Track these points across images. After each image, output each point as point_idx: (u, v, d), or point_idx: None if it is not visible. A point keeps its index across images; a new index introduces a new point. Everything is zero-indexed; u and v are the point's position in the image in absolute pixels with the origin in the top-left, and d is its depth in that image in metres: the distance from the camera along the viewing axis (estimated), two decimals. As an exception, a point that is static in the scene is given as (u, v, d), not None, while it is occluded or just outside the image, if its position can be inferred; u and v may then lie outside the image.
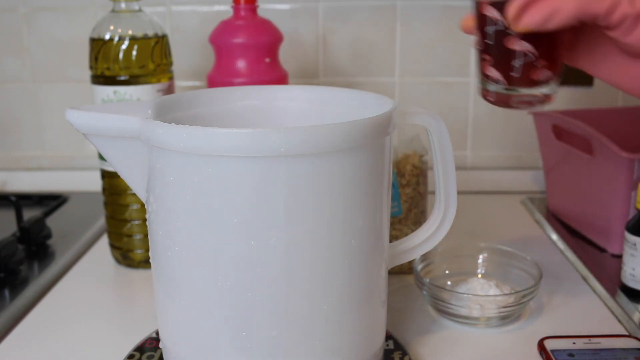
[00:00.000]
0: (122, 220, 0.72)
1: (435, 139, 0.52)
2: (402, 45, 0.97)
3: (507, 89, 0.47)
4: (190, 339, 0.46)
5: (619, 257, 0.72)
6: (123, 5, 0.69)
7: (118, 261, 0.74)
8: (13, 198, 0.80)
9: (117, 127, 0.45)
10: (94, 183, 0.91)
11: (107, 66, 0.68)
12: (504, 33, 0.46)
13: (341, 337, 0.47)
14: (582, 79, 0.97)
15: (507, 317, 0.60)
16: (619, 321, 0.61)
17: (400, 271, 0.70)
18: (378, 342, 0.51)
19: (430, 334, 0.59)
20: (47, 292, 0.68)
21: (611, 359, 0.53)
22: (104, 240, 0.80)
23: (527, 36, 0.45)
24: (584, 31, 0.48)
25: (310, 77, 0.98)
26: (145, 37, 0.68)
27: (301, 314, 0.44)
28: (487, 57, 0.48)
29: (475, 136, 1.01)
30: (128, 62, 0.67)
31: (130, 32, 0.68)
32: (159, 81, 0.69)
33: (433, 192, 0.59)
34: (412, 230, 0.68)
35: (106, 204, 0.73)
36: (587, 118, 0.78)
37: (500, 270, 0.66)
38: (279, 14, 0.95)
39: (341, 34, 0.97)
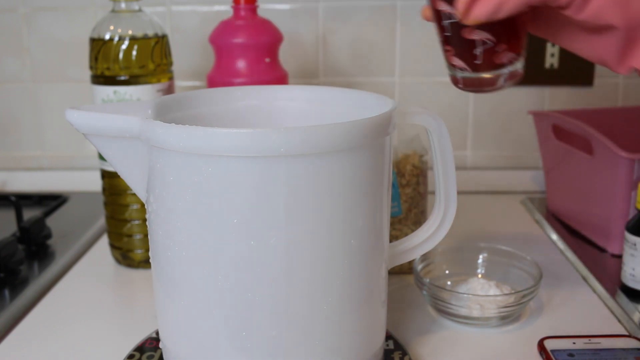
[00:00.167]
0: (122, 220, 0.72)
1: (435, 139, 0.52)
2: (402, 45, 0.97)
3: (473, 75, 0.48)
4: (190, 339, 0.46)
5: (619, 257, 0.72)
6: (123, 5, 0.69)
7: (118, 261, 0.74)
8: (13, 198, 0.80)
9: (117, 127, 0.45)
10: (94, 183, 0.91)
11: (107, 66, 0.68)
12: (459, 25, 0.46)
13: (341, 337, 0.47)
14: (582, 79, 0.97)
15: (507, 317, 0.60)
16: (619, 321, 0.61)
17: (400, 271, 0.70)
18: (378, 342, 0.51)
19: (430, 334, 0.59)
20: (47, 292, 0.68)
21: (611, 359, 0.53)
22: (104, 240, 0.80)
23: (483, 25, 0.45)
24: (541, 7, 0.47)
25: (310, 77, 0.98)
26: (145, 37, 0.68)
27: (301, 314, 0.44)
28: (449, 48, 0.48)
29: (475, 136, 1.01)
30: (128, 62, 0.67)
31: (130, 32, 0.68)
32: (159, 81, 0.69)
33: (433, 192, 0.59)
34: (412, 230, 0.68)
35: (106, 204, 0.73)
36: (587, 118, 0.78)
37: (500, 270, 0.66)
38: (279, 14, 0.95)
39: (341, 34, 0.97)
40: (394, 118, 0.46)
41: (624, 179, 0.71)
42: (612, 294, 0.65)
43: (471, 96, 0.99)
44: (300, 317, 0.44)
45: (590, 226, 0.78)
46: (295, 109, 0.57)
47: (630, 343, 0.55)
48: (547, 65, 0.96)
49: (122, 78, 0.68)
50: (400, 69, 0.98)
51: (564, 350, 0.54)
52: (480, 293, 0.61)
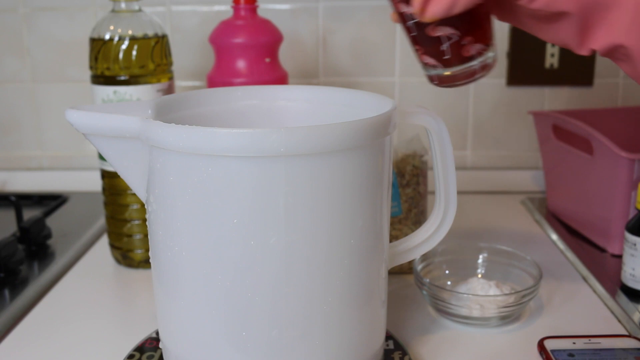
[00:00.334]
0: (122, 220, 0.72)
1: (435, 139, 0.52)
2: (402, 45, 0.97)
3: (445, 70, 0.48)
4: (190, 339, 0.46)
5: (619, 257, 0.72)
6: (123, 5, 0.69)
7: (118, 261, 0.74)
8: (13, 198, 0.80)
9: (117, 127, 0.45)
10: (94, 183, 0.91)
11: (107, 66, 0.68)
12: (422, 24, 0.46)
13: (341, 337, 0.47)
14: (582, 79, 0.97)
15: (507, 317, 0.60)
16: (619, 321, 0.61)
17: (400, 271, 0.70)
18: (378, 342, 0.51)
19: (430, 334, 0.59)
20: (47, 292, 0.68)
21: (611, 359, 0.53)
22: (104, 240, 0.80)
23: (445, 20, 0.46)
24: None
25: (310, 77, 0.98)
26: (145, 37, 0.68)
27: (301, 313, 0.44)
28: (418, 47, 0.49)
29: (475, 136, 1.01)
30: (128, 62, 0.67)
31: (130, 32, 0.68)
32: (159, 81, 0.69)
33: (433, 192, 0.59)
34: (412, 230, 0.68)
35: (106, 204, 0.73)
36: (587, 118, 0.78)
37: (500, 270, 0.66)
38: (279, 14, 0.95)
39: (341, 34, 0.97)
40: (394, 118, 0.46)
41: (624, 179, 0.71)
42: (612, 294, 0.65)
43: (471, 96, 0.99)
44: (300, 317, 0.44)
45: (590, 226, 0.78)
46: (295, 109, 0.57)
47: (630, 343, 0.55)
48: (547, 65, 0.96)
49: (122, 78, 0.68)
50: (400, 69, 0.98)
51: (564, 350, 0.54)
52: (480, 293, 0.61)
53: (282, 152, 0.41)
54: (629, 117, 0.87)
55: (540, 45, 0.95)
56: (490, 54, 0.48)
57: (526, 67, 0.96)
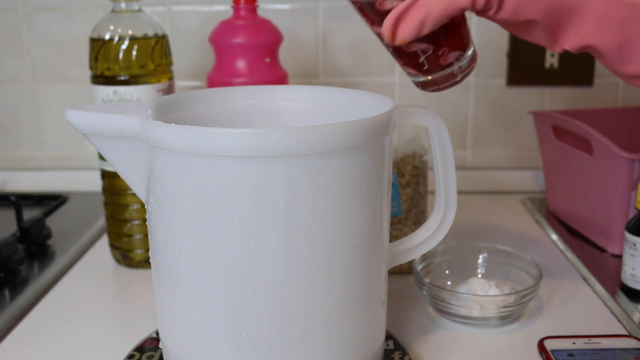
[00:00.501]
0: (122, 220, 0.72)
1: (435, 139, 0.52)
2: (402, 45, 0.97)
3: (427, 78, 0.50)
4: (190, 339, 0.46)
5: (619, 257, 0.72)
6: (123, 5, 0.69)
7: (118, 261, 0.74)
8: (13, 198, 0.80)
9: (117, 127, 0.45)
10: (94, 183, 0.91)
11: (107, 66, 0.68)
12: None
13: (341, 337, 0.47)
14: (582, 79, 0.97)
15: (507, 317, 0.60)
16: (619, 321, 0.61)
17: (400, 271, 0.70)
18: (378, 342, 0.51)
19: (430, 334, 0.59)
20: (47, 292, 0.68)
21: (611, 359, 0.53)
22: (104, 240, 0.80)
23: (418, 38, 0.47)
24: None
25: (310, 77, 0.98)
26: (145, 37, 0.68)
27: (301, 314, 0.44)
28: (398, 60, 0.50)
29: (475, 136, 1.01)
30: (128, 62, 0.67)
31: (130, 32, 0.68)
32: (159, 81, 0.69)
33: (433, 192, 0.59)
34: (412, 230, 0.68)
35: (106, 204, 0.73)
36: (587, 118, 0.78)
37: (500, 270, 0.66)
38: (279, 14, 0.95)
39: (341, 34, 0.97)
40: (394, 118, 0.46)
41: (624, 179, 0.71)
42: (612, 294, 0.65)
43: (471, 96, 0.99)
44: (300, 317, 0.44)
45: (590, 226, 0.78)
46: (295, 109, 0.57)
47: (630, 343, 0.55)
48: (547, 65, 0.96)
49: (122, 78, 0.68)
50: (400, 69, 0.98)
51: (564, 350, 0.54)
52: (480, 293, 0.61)
53: (282, 152, 0.41)
54: (629, 117, 0.87)
55: (546, 48, 0.95)
56: (468, 54, 0.49)
57: (526, 67, 0.96)
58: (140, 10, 0.70)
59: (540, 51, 0.95)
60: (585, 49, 0.45)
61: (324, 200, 0.43)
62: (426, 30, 0.45)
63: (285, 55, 0.91)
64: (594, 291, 0.67)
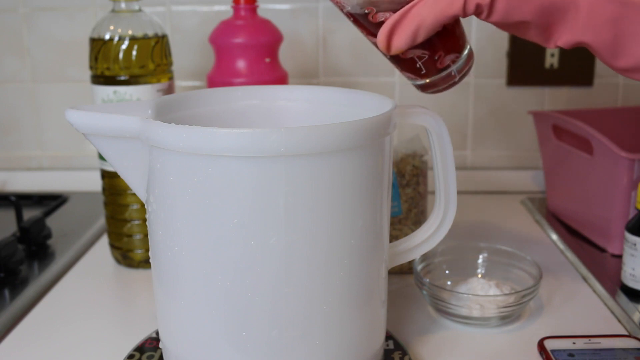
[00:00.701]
0: (122, 220, 0.72)
1: (435, 139, 0.52)
2: (402, 45, 0.97)
3: (425, 81, 0.50)
4: (190, 339, 0.46)
5: (619, 257, 0.72)
6: (123, 5, 0.69)
7: (118, 261, 0.74)
8: (13, 198, 0.80)
9: (117, 127, 0.45)
10: (94, 183, 0.91)
11: (107, 66, 0.68)
12: None
13: (341, 337, 0.47)
14: (582, 79, 0.97)
15: (507, 317, 0.60)
16: (619, 321, 0.61)
17: (400, 271, 0.70)
18: (378, 342, 0.51)
19: (430, 334, 0.59)
20: (47, 292, 0.68)
21: (611, 359, 0.53)
22: (104, 240, 0.80)
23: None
24: None
25: (310, 77, 0.98)
26: (145, 37, 0.68)
27: (301, 314, 0.44)
28: (396, 66, 0.51)
29: (475, 136, 1.01)
30: (128, 62, 0.67)
31: (130, 32, 0.68)
32: (159, 81, 0.69)
33: (433, 192, 0.59)
34: (412, 230, 0.68)
35: (106, 204, 0.73)
36: (587, 118, 0.78)
37: (500, 270, 0.66)
38: (279, 14, 0.95)
39: (341, 34, 0.97)
40: (394, 118, 0.46)
41: (624, 179, 0.71)
42: (612, 294, 0.65)
43: (471, 96, 0.99)
44: (300, 317, 0.44)
45: (590, 226, 0.78)
46: (295, 109, 0.57)
47: (630, 343, 0.55)
48: (547, 65, 0.96)
49: (122, 78, 0.68)
50: (400, 69, 0.98)
51: (564, 350, 0.54)
52: (480, 293, 0.61)
53: (282, 152, 0.41)
54: (629, 117, 0.87)
55: (541, 45, 0.95)
56: (464, 54, 0.50)
57: (526, 67, 0.96)
58: (140, 10, 0.70)
59: (540, 51, 0.95)
60: (579, 45, 0.47)
61: (324, 200, 0.43)
62: (420, 39, 0.46)
63: (285, 55, 0.91)
64: (594, 291, 0.67)
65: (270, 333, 0.44)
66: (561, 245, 0.78)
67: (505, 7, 0.44)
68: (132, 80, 0.68)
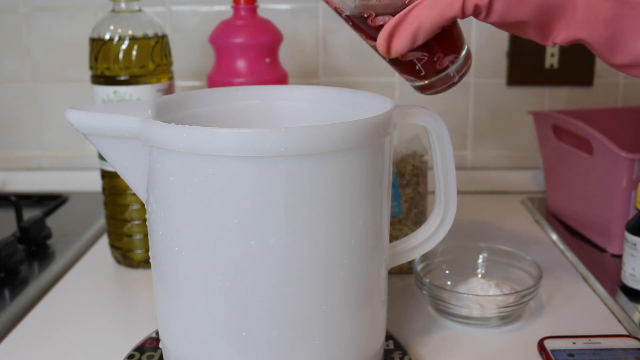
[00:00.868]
0: (122, 220, 0.72)
1: (435, 139, 0.52)
2: (402, 45, 0.97)
3: (425, 83, 0.51)
4: (190, 339, 0.46)
5: (619, 257, 0.72)
6: (123, 5, 0.69)
7: (118, 261, 0.74)
8: (13, 198, 0.80)
9: (117, 127, 0.45)
10: (94, 183, 0.91)
11: (107, 66, 0.68)
12: None
13: (341, 337, 0.47)
14: (582, 79, 0.97)
15: (507, 317, 0.60)
16: (619, 321, 0.61)
17: (400, 271, 0.70)
18: (378, 342, 0.51)
19: (430, 334, 0.59)
20: (47, 292, 0.68)
21: (611, 359, 0.53)
22: (104, 240, 0.80)
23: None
24: None
25: (310, 77, 0.98)
26: (145, 37, 0.68)
27: (301, 314, 0.44)
28: (395, 68, 0.51)
29: (475, 136, 1.01)
30: (128, 62, 0.67)
31: (130, 32, 0.68)
32: (159, 81, 0.69)
33: (433, 192, 0.59)
34: (412, 230, 0.68)
35: (106, 204, 0.73)
36: (587, 118, 0.78)
37: (500, 270, 0.66)
38: (279, 14, 0.95)
39: (341, 34, 0.97)
40: (394, 118, 0.46)
41: (624, 179, 0.71)
42: (612, 294, 0.65)
43: (471, 96, 0.99)
44: (300, 317, 0.44)
45: (590, 226, 0.78)
46: (295, 109, 0.57)
47: (630, 343, 0.55)
48: (547, 65, 0.96)
49: (122, 78, 0.68)
50: (400, 69, 0.98)
51: (564, 350, 0.54)
52: (480, 293, 0.61)
53: (282, 152, 0.41)
54: (629, 117, 0.87)
55: (540, 45, 0.95)
56: (462, 55, 0.50)
57: (526, 67, 0.96)
58: (140, 10, 0.70)
59: (540, 51, 0.95)
60: (576, 42, 0.47)
61: (324, 200, 0.43)
62: (419, 41, 0.46)
63: (285, 55, 0.91)
64: (594, 291, 0.67)
65: (270, 333, 0.44)
66: (561, 245, 0.78)
67: (503, 8, 0.45)
68: (132, 80, 0.68)
